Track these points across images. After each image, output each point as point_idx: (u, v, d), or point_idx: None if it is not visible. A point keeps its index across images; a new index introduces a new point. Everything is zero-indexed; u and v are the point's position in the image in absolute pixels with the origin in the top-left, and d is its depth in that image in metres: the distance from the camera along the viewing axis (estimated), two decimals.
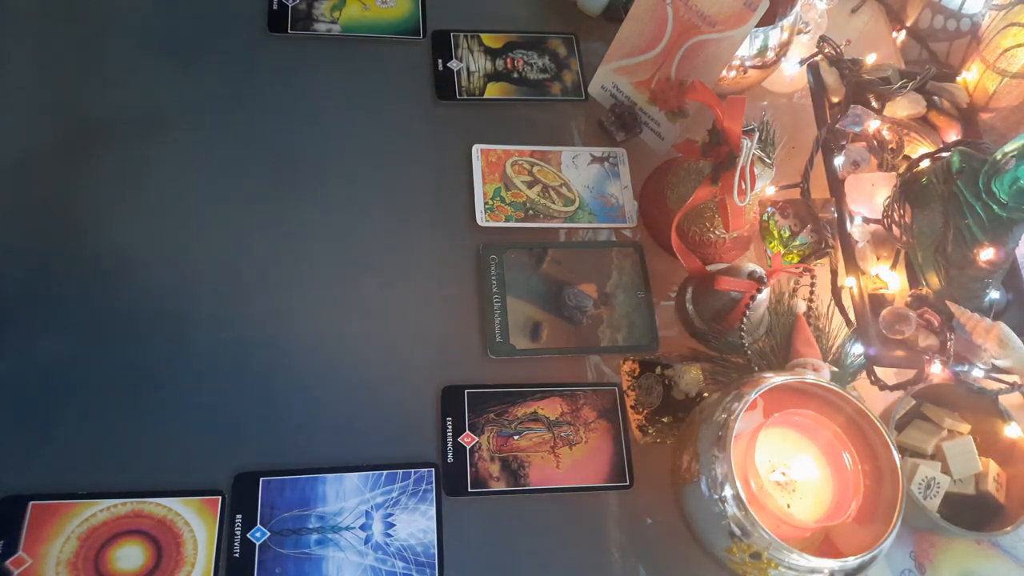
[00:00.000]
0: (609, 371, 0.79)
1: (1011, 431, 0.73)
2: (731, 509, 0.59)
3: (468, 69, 0.93)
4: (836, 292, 0.80)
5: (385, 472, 0.70)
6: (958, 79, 0.91)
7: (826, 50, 0.90)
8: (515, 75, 0.93)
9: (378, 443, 0.72)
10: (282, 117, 0.86)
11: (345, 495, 0.69)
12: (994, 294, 0.77)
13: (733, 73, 0.86)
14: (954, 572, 0.73)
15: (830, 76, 0.90)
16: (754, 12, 0.75)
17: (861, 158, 0.85)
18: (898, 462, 0.62)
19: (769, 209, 0.85)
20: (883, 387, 0.76)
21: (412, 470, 0.70)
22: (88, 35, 0.87)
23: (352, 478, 0.69)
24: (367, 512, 0.68)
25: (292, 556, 0.66)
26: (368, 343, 0.76)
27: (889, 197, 0.80)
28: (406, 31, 0.94)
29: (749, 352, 0.73)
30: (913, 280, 0.79)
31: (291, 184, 0.83)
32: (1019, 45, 0.84)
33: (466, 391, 0.75)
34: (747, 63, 0.85)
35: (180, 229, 0.79)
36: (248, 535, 0.66)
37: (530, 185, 0.86)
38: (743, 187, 0.72)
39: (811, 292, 0.76)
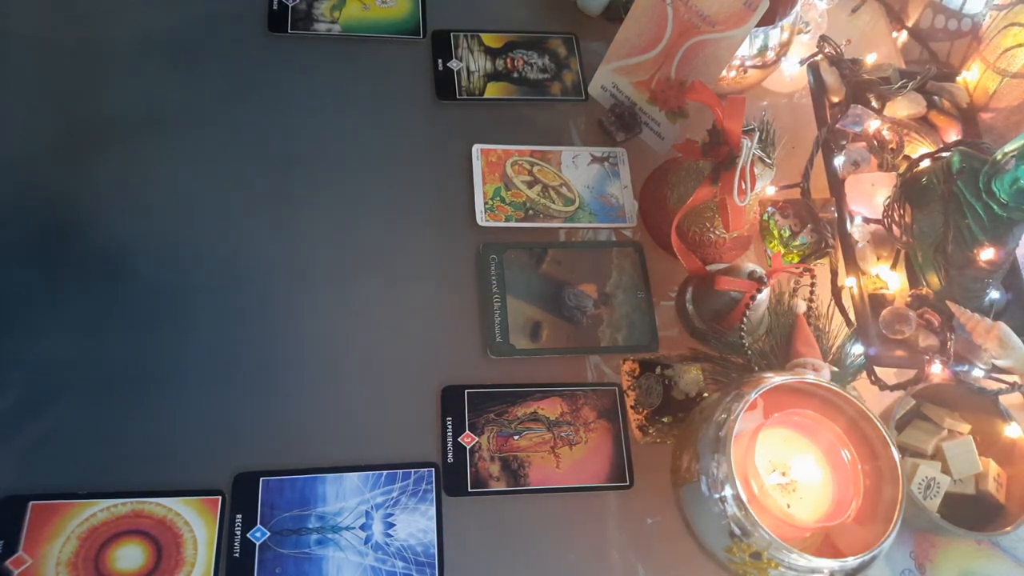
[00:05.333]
0: (609, 371, 0.79)
1: (1011, 431, 0.73)
2: (731, 509, 0.59)
3: (468, 69, 0.93)
4: (836, 292, 0.80)
5: (385, 472, 0.70)
6: (958, 79, 0.91)
7: (826, 50, 0.90)
8: (515, 75, 0.93)
9: (378, 443, 0.72)
10: (282, 117, 0.86)
11: (345, 495, 0.69)
12: (994, 294, 0.77)
13: (733, 73, 0.86)
14: (954, 572, 0.73)
15: (830, 76, 0.90)
16: (754, 12, 0.75)
17: (861, 158, 0.85)
18: (898, 462, 0.62)
19: (769, 209, 0.85)
20: (883, 387, 0.76)
21: (412, 470, 0.70)
22: (88, 35, 0.87)
23: (352, 478, 0.69)
24: (367, 512, 0.68)
25: (292, 556, 0.66)
26: (368, 343, 0.76)
27: (889, 197, 0.80)
28: (406, 31, 0.94)
29: (749, 352, 0.73)
30: (913, 280, 0.79)
31: (291, 184, 0.83)
32: (1019, 45, 0.84)
33: (466, 391, 0.75)
34: (747, 63, 0.85)
35: (180, 229, 0.79)
36: (248, 535, 0.66)
37: (530, 185, 0.86)
38: (743, 187, 0.72)
39: (811, 292, 0.76)
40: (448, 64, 0.92)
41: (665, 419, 0.72)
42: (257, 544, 0.66)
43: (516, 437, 0.73)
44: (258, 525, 0.67)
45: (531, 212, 0.84)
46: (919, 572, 0.73)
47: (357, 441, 0.72)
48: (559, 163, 0.88)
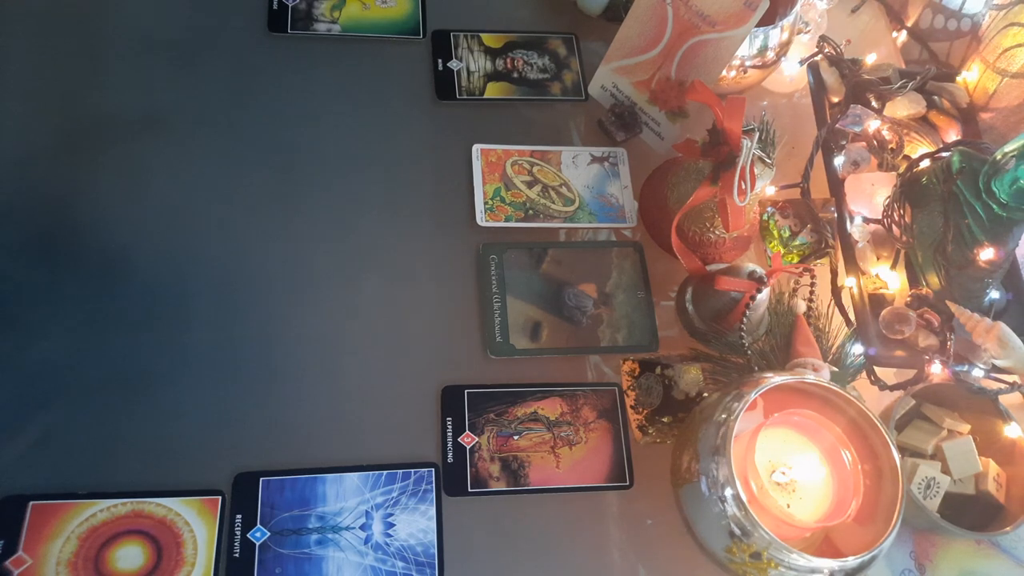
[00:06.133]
0: (609, 371, 0.79)
1: (1011, 431, 0.73)
2: (731, 509, 0.59)
3: (468, 69, 0.93)
4: (836, 292, 0.80)
5: (385, 472, 0.70)
6: (958, 79, 0.91)
7: (826, 50, 0.90)
8: (515, 75, 0.93)
9: (378, 443, 0.72)
10: (282, 117, 0.86)
11: (345, 495, 0.69)
12: (994, 294, 0.77)
13: (733, 73, 0.86)
14: (954, 572, 0.73)
15: (830, 76, 0.90)
16: (754, 12, 0.75)
17: (861, 158, 0.85)
18: (898, 462, 0.62)
19: (769, 209, 0.85)
20: (883, 387, 0.76)
21: (412, 470, 0.70)
22: (88, 35, 0.87)
23: (352, 478, 0.69)
24: (367, 512, 0.68)
25: (292, 556, 0.66)
26: (368, 343, 0.76)
27: (889, 197, 0.80)
28: (406, 31, 0.94)
29: (749, 352, 0.73)
30: (913, 280, 0.79)
31: (291, 184, 0.83)
32: (1019, 45, 0.84)
33: (466, 391, 0.75)
34: (747, 63, 0.85)
35: (180, 229, 0.79)
36: (248, 535, 0.66)
37: (530, 185, 0.86)
38: (743, 187, 0.72)
39: (811, 292, 0.76)
40: (448, 64, 0.92)
41: (665, 419, 0.73)
42: (257, 544, 0.66)
43: (516, 437, 0.73)
44: (258, 525, 0.67)
45: (531, 212, 0.84)
46: (919, 572, 0.73)
47: (357, 441, 0.72)
48: (559, 163, 0.88)
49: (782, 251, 0.84)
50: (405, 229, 0.82)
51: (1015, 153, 0.68)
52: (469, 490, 0.70)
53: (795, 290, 0.77)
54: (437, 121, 0.89)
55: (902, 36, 1.02)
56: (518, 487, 0.71)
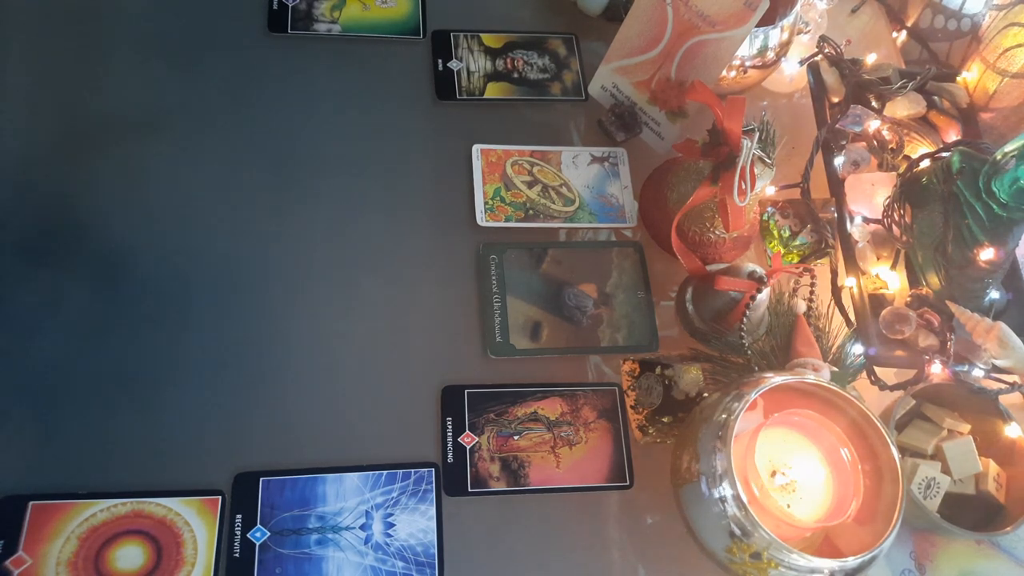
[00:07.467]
0: (609, 371, 0.79)
1: (1011, 431, 0.73)
2: (731, 509, 0.59)
3: (468, 69, 0.93)
4: (836, 292, 0.80)
5: (385, 472, 0.70)
6: (958, 79, 0.91)
7: (826, 50, 0.90)
8: (515, 75, 0.93)
9: (378, 443, 0.72)
10: (282, 117, 0.86)
11: (345, 495, 0.69)
12: (994, 294, 0.77)
13: (733, 73, 0.86)
14: (954, 572, 0.73)
15: (830, 76, 0.90)
16: (754, 12, 0.75)
17: (861, 158, 0.85)
18: (898, 462, 0.62)
19: (769, 209, 0.85)
20: (883, 387, 0.76)
21: (412, 470, 0.70)
22: (88, 35, 0.87)
23: (352, 478, 0.69)
24: (367, 512, 0.68)
25: (292, 556, 0.66)
26: (368, 343, 0.76)
27: (889, 197, 0.80)
28: (406, 31, 0.94)
29: (749, 352, 0.73)
30: (913, 280, 0.79)
31: (291, 184, 0.83)
32: (1019, 45, 0.84)
33: (466, 391, 0.75)
34: (747, 63, 0.85)
35: (180, 229, 0.79)
36: (248, 535, 0.66)
37: (530, 185, 0.86)
38: (743, 187, 0.72)
39: (811, 292, 0.76)
40: (448, 64, 0.92)
41: (665, 419, 0.73)
42: (257, 544, 0.66)
43: (516, 437, 0.73)
44: (258, 525, 0.67)
45: (531, 212, 0.84)
46: (919, 572, 0.73)
47: (357, 441, 0.72)
48: (559, 163, 0.88)
49: (782, 251, 0.84)
50: (405, 229, 0.82)
51: (1015, 153, 0.68)
52: (469, 490, 0.70)
53: (795, 290, 0.77)
54: (437, 121, 0.89)
55: (902, 36, 1.02)
56: (518, 487, 0.71)
